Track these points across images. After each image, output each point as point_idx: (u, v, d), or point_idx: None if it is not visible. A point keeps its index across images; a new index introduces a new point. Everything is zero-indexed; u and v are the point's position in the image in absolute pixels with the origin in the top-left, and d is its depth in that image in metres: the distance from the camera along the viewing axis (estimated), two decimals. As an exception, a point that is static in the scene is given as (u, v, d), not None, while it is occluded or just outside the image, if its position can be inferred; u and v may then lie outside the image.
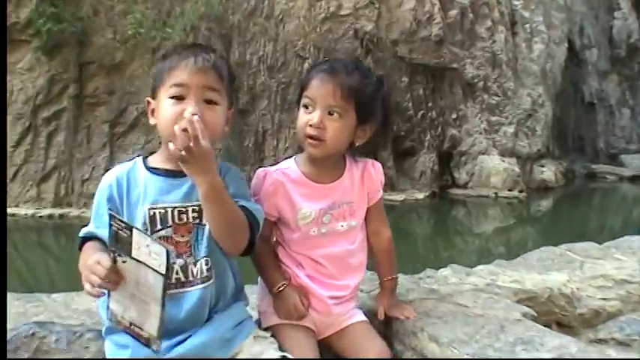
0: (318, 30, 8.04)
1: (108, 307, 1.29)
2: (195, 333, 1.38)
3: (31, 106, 7.51)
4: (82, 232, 1.42)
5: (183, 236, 1.41)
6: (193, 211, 1.41)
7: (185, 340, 1.37)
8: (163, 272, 1.17)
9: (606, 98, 11.47)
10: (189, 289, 1.39)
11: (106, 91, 7.45)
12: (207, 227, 1.41)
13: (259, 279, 1.63)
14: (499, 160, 9.03)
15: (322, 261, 1.61)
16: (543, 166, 9.68)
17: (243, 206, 1.42)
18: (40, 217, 7.34)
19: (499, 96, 7.92)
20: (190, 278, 1.40)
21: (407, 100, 8.81)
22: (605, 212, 9.16)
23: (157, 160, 1.48)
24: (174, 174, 1.42)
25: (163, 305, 1.20)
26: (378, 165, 1.74)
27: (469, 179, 9.36)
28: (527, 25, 6.97)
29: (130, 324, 1.25)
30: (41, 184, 7.62)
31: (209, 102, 1.42)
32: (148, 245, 1.19)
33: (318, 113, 1.55)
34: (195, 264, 1.40)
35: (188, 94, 1.40)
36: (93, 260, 1.26)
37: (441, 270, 2.00)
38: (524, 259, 2.20)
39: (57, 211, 7.42)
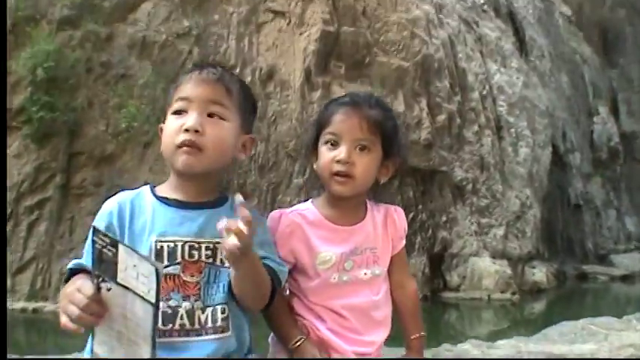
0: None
1: (91, 351, 1.09)
2: None
3: (14, 193, 7.32)
4: (71, 263, 1.22)
5: (192, 276, 1.23)
6: (207, 248, 1.25)
7: None
8: (153, 300, 0.98)
9: (592, 200, 11.67)
10: (194, 338, 1.20)
11: (94, 182, 7.28)
12: (223, 270, 1.24)
13: (271, 336, 1.46)
14: (490, 262, 8.97)
15: (344, 313, 1.44)
16: (534, 268, 9.63)
17: (267, 265, 1.26)
18: (12, 309, 6.84)
19: (488, 198, 8.08)
20: (197, 326, 1.21)
21: (397, 202, 8.85)
22: (599, 312, 9.00)
23: (166, 190, 1.32)
24: (187, 205, 1.28)
25: (154, 344, 1.00)
26: (401, 211, 1.63)
27: (461, 282, 9.24)
28: (513, 130, 7.34)
29: None
30: (17, 275, 7.24)
31: (212, 115, 1.29)
32: (135, 265, 1.00)
33: (345, 148, 1.44)
34: (203, 310, 1.22)
35: (191, 108, 1.28)
36: (73, 287, 1.08)
37: (460, 345, 1.91)
38: (544, 334, 2.13)
39: (31, 305, 7.00)
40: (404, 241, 1.59)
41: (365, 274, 1.47)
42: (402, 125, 1.77)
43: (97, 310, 1.04)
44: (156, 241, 1.22)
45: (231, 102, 1.31)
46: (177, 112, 1.28)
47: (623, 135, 7.96)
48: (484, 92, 2.83)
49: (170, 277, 1.20)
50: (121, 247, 1.01)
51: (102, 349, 1.06)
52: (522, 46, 3.90)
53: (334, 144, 1.46)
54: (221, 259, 1.24)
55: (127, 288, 1.00)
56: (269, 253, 1.30)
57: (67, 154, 7.25)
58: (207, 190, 1.34)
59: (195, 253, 1.23)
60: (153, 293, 0.98)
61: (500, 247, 9.86)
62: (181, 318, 1.19)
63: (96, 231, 1.04)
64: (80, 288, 1.06)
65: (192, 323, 1.20)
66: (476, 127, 7.35)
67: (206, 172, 1.28)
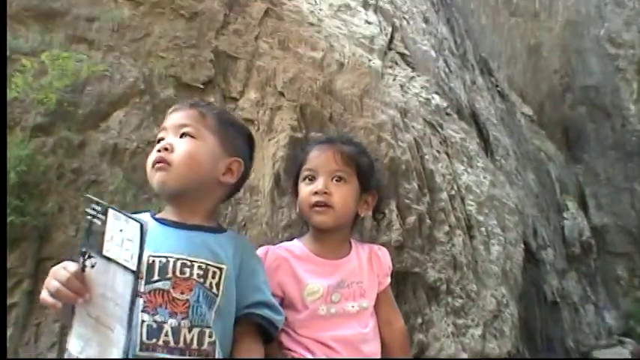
0: (280, 236, 8.19)
1: (66, 349, 1.07)
2: None
3: (-22, 300, 7.21)
4: None
5: (182, 293, 1.22)
6: (199, 267, 1.25)
7: None
8: (134, 268, 0.99)
9: (569, 296, 11.65)
10: (178, 357, 1.17)
11: None
12: (213, 292, 1.24)
13: None
14: (471, 363, 8.78)
15: (334, 345, 1.43)
16: (517, 367, 9.43)
17: (265, 318, 1.28)
18: None
19: (463, 298, 7.98)
20: (181, 345, 1.18)
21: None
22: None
23: (164, 214, 1.36)
24: (183, 225, 1.31)
25: (130, 324, 0.99)
26: (385, 250, 1.66)
27: (442, 384, 8.98)
28: (483, 229, 7.51)
29: None
30: (-22, 389, 6.96)
31: (183, 135, 1.34)
32: (121, 230, 1.01)
33: (322, 180, 1.49)
34: (190, 329, 1.20)
35: (167, 134, 1.35)
36: (59, 266, 1.10)
37: None
38: None
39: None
40: (389, 279, 1.62)
41: (352, 306, 1.48)
42: (380, 165, 1.82)
43: (77, 286, 1.05)
44: (149, 256, 1.21)
45: (205, 124, 1.36)
46: (158, 141, 1.35)
47: (594, 229, 8.09)
48: (452, 192, 2.89)
49: (159, 293, 1.19)
50: (110, 211, 1.03)
51: (75, 343, 1.04)
52: (487, 146, 4.04)
53: (312, 179, 1.51)
54: (210, 283, 1.24)
55: (110, 260, 1.02)
56: (269, 297, 1.33)
57: (35, 259, 7.70)
58: (201, 214, 1.36)
59: (187, 270, 1.23)
60: (135, 259, 0.99)
61: (479, 348, 9.63)
62: (166, 335, 1.17)
63: (89, 200, 1.06)
64: (65, 266, 1.08)
65: (176, 341, 1.18)
66: (446, 227, 7.49)
67: (182, 189, 1.30)
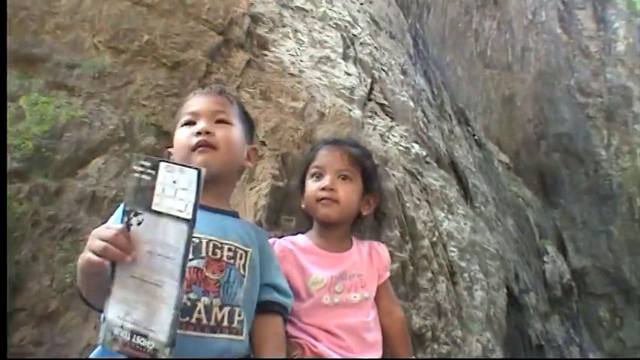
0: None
1: (104, 320, 1.01)
2: None
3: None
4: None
5: (214, 273, 1.25)
6: (229, 249, 1.29)
7: None
8: (189, 217, 0.98)
9: (553, 339, 11.63)
10: (208, 334, 1.20)
11: (34, 341, 7.11)
12: (241, 272, 1.28)
13: None
14: (457, 413, 8.62)
15: (338, 332, 1.49)
16: (503, 416, 9.27)
17: (277, 303, 1.35)
18: None
19: (449, 344, 8.01)
20: (212, 323, 1.21)
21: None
22: None
23: None
24: (210, 209, 1.33)
25: (183, 272, 0.97)
26: (384, 246, 1.75)
27: None
28: (466, 274, 7.61)
29: (132, 334, 0.97)
30: None
31: (219, 122, 1.39)
32: (175, 182, 1.00)
33: (329, 177, 1.59)
34: (221, 308, 1.23)
35: (199, 118, 1.38)
36: (103, 227, 1.09)
37: None
38: None
39: None
40: (388, 273, 1.71)
41: (354, 297, 1.56)
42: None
43: (124, 243, 1.02)
44: None
45: (233, 111, 1.45)
46: (187, 124, 1.39)
47: (574, 271, 8.13)
48: (434, 239, 2.90)
49: (193, 271, 1.22)
50: (162, 164, 1.03)
51: (117, 309, 0.99)
52: (467, 193, 4.08)
53: (319, 176, 1.61)
54: (239, 265, 1.29)
55: (160, 213, 1.01)
56: (282, 281, 1.40)
57: (7, 310, 7.52)
58: (224, 199, 1.43)
59: (218, 251, 1.27)
60: (190, 208, 0.98)
61: (466, 395, 9.54)
62: (199, 312, 1.20)
63: (137, 158, 1.06)
64: (109, 226, 1.08)
65: (208, 319, 1.21)
66: (429, 274, 7.54)
67: (223, 172, 1.36)
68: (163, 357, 0.96)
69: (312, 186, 1.63)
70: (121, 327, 1.01)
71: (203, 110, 1.42)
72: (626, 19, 11.12)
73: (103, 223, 2.04)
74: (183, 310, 1.16)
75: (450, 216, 3.44)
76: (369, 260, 1.66)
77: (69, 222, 2.03)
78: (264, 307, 1.37)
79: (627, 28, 11.01)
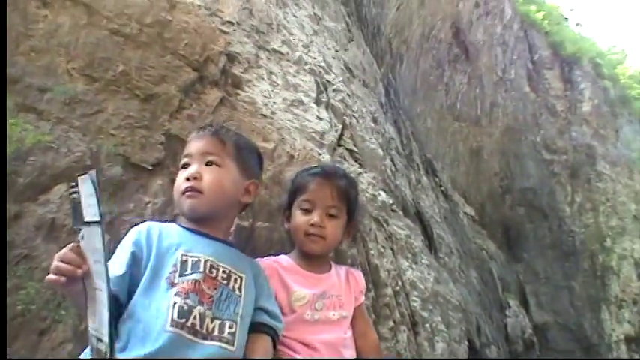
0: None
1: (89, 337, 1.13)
2: None
3: None
4: None
5: (209, 288, 1.37)
6: (223, 272, 1.42)
7: None
8: (98, 219, 1.08)
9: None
10: (200, 340, 1.31)
11: None
12: (236, 293, 1.40)
13: None
14: None
15: (317, 345, 1.57)
16: None
17: (268, 325, 1.45)
18: None
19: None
20: (204, 331, 1.33)
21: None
22: None
23: (190, 226, 1.50)
24: (208, 235, 1.47)
25: (107, 271, 1.06)
26: (360, 272, 1.88)
27: None
28: (428, 325, 7.58)
29: (96, 340, 1.09)
30: None
31: (209, 164, 1.50)
32: (86, 191, 1.09)
33: (317, 214, 1.68)
34: (212, 320, 1.35)
35: (192, 161, 1.52)
36: (58, 253, 1.17)
37: None
38: None
39: None
40: (364, 297, 1.82)
41: (334, 314, 1.66)
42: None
43: (72, 258, 1.13)
44: (182, 255, 1.39)
45: (226, 152, 1.54)
46: (183, 167, 1.53)
47: (536, 326, 8.19)
48: (397, 288, 2.90)
49: (192, 282, 1.35)
50: (79, 179, 1.13)
51: (92, 322, 1.10)
52: (431, 243, 4.11)
53: (308, 210, 1.69)
54: (233, 286, 1.41)
55: (89, 223, 1.11)
56: (274, 307, 1.50)
57: None
58: (222, 231, 1.54)
59: (214, 271, 1.40)
60: (96, 210, 1.08)
61: None
62: (194, 318, 1.31)
63: (71, 186, 1.16)
64: (65, 247, 1.17)
65: (201, 326, 1.32)
66: (391, 323, 7.53)
67: (211, 213, 1.48)
68: (107, 357, 1.05)
69: (301, 218, 1.72)
70: (93, 335, 1.13)
71: (195, 153, 1.55)
72: (591, 81, 11.56)
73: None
74: (181, 312, 1.31)
75: (413, 265, 3.45)
76: (347, 283, 1.76)
77: (25, 248, 1.97)
78: (256, 328, 1.47)
79: (593, 89, 11.43)
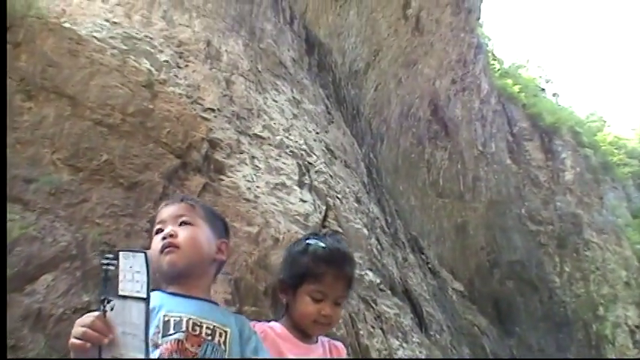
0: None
1: None
2: None
3: None
4: None
5: (192, 346, 1.40)
6: (207, 328, 1.45)
7: None
8: (144, 295, 1.14)
9: None
10: None
11: None
12: (222, 348, 1.44)
13: None
14: None
15: None
16: None
17: None
18: None
19: None
20: None
21: None
22: None
23: (173, 290, 1.51)
24: (189, 297, 1.49)
25: (147, 344, 1.15)
26: (342, 344, 1.92)
27: None
28: None
29: None
30: None
31: (182, 224, 1.56)
32: (131, 267, 1.17)
33: (329, 305, 1.74)
34: None
35: (165, 225, 1.56)
36: (83, 317, 1.23)
37: None
38: None
39: None
40: None
41: None
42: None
43: (101, 327, 1.19)
44: (164, 315, 1.41)
45: (196, 213, 1.62)
46: (157, 232, 1.56)
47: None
48: (388, 370, 2.87)
49: (175, 341, 1.37)
50: (121, 254, 1.19)
51: None
52: (421, 321, 4.07)
53: (319, 300, 1.74)
54: (219, 341, 1.45)
55: (125, 297, 1.17)
56: (265, 356, 1.54)
57: None
58: (203, 290, 1.57)
59: (198, 328, 1.43)
60: (144, 287, 1.15)
61: None
62: None
63: (102, 253, 1.23)
64: (89, 315, 1.22)
65: None
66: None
67: (189, 268, 1.51)
68: None
69: (312, 307, 1.76)
70: None
71: (168, 217, 1.60)
72: (572, 150, 11.82)
73: (47, 343, 1.98)
74: None
75: (404, 344, 3.40)
76: (330, 355, 1.83)
77: (12, 338, 1.93)
78: None
79: (574, 157, 11.67)
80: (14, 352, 1.92)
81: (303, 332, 1.76)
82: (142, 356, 1.16)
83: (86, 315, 1.25)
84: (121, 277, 1.20)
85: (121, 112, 2.73)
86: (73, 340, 1.23)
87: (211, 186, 2.87)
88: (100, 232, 2.35)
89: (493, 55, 12.82)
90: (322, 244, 1.90)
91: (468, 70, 9.72)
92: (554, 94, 14.90)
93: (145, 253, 1.19)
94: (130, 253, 1.21)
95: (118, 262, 1.20)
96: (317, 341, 1.80)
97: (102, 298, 1.22)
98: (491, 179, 9.54)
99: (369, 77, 6.95)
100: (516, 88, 12.04)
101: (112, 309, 1.20)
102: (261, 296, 2.52)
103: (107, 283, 1.21)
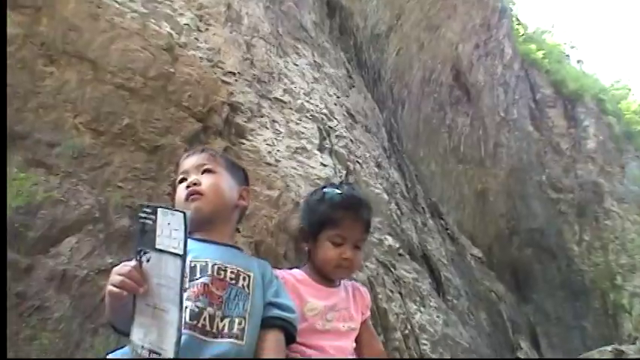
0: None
1: (130, 341, 1.25)
2: None
3: None
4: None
5: (217, 289, 1.46)
6: (232, 272, 1.51)
7: None
8: (181, 252, 1.19)
9: None
10: (211, 339, 1.40)
11: None
12: (245, 291, 1.50)
13: None
14: None
15: (329, 349, 1.69)
16: None
17: (283, 319, 1.53)
18: None
19: None
20: (214, 330, 1.42)
21: None
22: None
23: (199, 237, 1.58)
24: (214, 242, 1.58)
25: (181, 299, 1.20)
26: (365, 288, 1.97)
27: None
28: None
29: (150, 352, 1.21)
30: None
31: (205, 172, 1.65)
32: (169, 223, 1.21)
33: (349, 248, 1.79)
34: (222, 319, 1.43)
35: (189, 174, 1.65)
36: (119, 265, 1.30)
37: None
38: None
39: None
40: (369, 312, 1.92)
41: (343, 326, 1.77)
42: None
43: (137, 277, 1.25)
44: (190, 261, 1.45)
45: (217, 162, 1.70)
46: (181, 181, 1.66)
47: (548, 368, 8.04)
48: (406, 331, 2.87)
49: (201, 285, 1.44)
50: (159, 210, 1.24)
51: (138, 333, 1.24)
52: (439, 286, 4.09)
53: (339, 244, 1.79)
54: (242, 285, 1.52)
55: (162, 251, 1.22)
56: (285, 299, 1.60)
57: None
58: (227, 236, 1.65)
59: (222, 273, 1.50)
60: (181, 245, 1.19)
61: None
62: (204, 319, 1.41)
63: (141, 206, 1.28)
64: (125, 264, 1.29)
65: (211, 327, 1.42)
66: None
67: (213, 214, 1.59)
68: None
69: (333, 252, 1.81)
70: (142, 347, 1.24)
71: (190, 167, 1.67)
72: (595, 118, 11.61)
73: (72, 304, 2.03)
74: (192, 315, 1.40)
75: (422, 309, 3.43)
76: (354, 299, 1.86)
77: (37, 300, 1.98)
78: (267, 322, 1.54)
79: (597, 126, 11.47)
80: (40, 312, 1.97)
81: (325, 277, 1.81)
82: (176, 308, 1.21)
83: (123, 264, 1.30)
84: (158, 232, 1.24)
85: (142, 75, 2.72)
86: (110, 288, 1.29)
87: (232, 150, 2.88)
88: (122, 195, 2.37)
89: (517, 19, 12.51)
90: (338, 191, 1.95)
91: (492, 34, 9.52)
92: (578, 61, 14.54)
93: (185, 213, 1.23)
94: (169, 211, 1.24)
95: (155, 218, 1.24)
96: (339, 284, 1.85)
97: (138, 249, 1.27)
98: (513, 146, 9.44)
99: (390, 41, 6.85)
100: (540, 54, 11.77)
101: (147, 260, 1.25)
102: (282, 259, 2.55)
103: (144, 236, 1.26)
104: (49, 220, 2.16)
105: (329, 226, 1.83)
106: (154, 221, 1.25)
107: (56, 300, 2.01)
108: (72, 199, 2.26)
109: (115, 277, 1.29)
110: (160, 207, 1.26)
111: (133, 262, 1.29)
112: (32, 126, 2.35)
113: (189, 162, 1.70)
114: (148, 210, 1.26)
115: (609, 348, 1.86)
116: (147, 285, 1.26)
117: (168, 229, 1.24)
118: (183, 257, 1.21)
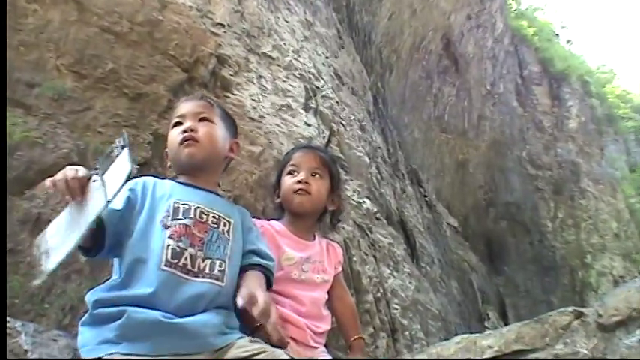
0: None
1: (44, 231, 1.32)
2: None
3: None
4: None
5: (199, 232, 1.51)
6: (213, 217, 1.56)
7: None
8: (109, 198, 1.24)
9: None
10: (192, 278, 1.44)
11: None
12: (226, 236, 1.55)
13: None
14: None
15: (302, 299, 1.75)
16: None
17: (262, 265, 1.57)
18: None
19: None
20: (195, 269, 1.46)
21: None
22: None
23: (183, 180, 1.66)
24: (198, 187, 1.62)
25: (86, 232, 1.24)
26: (338, 244, 2.04)
27: None
28: (407, 332, 7.55)
29: (41, 255, 1.27)
30: None
31: (202, 120, 1.67)
32: (122, 165, 1.25)
33: (303, 173, 1.87)
34: (203, 259, 1.48)
35: (185, 119, 1.67)
36: (73, 167, 1.34)
37: None
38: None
39: None
40: (341, 267, 1.99)
41: (317, 277, 1.84)
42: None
43: (77, 187, 1.29)
44: (174, 203, 1.53)
45: (214, 112, 1.73)
46: (176, 125, 1.68)
47: (513, 340, 8.23)
48: (378, 295, 2.92)
49: (183, 226, 1.49)
50: (125, 150, 1.29)
51: (53, 230, 1.31)
52: (413, 252, 4.15)
53: (294, 173, 1.88)
54: (223, 230, 1.56)
55: (104, 183, 1.27)
56: (263, 246, 1.64)
57: None
58: (212, 184, 1.71)
59: (204, 216, 1.55)
60: (114, 192, 1.24)
61: None
62: (185, 259, 1.45)
63: (122, 134, 1.34)
64: (78, 169, 1.33)
65: (192, 266, 1.46)
66: (371, 329, 7.52)
67: (205, 162, 1.63)
68: (38, 280, 1.28)
69: (288, 181, 1.89)
70: (46, 240, 1.30)
71: (188, 112, 1.69)
72: (579, 98, 11.67)
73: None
74: (174, 254, 1.45)
75: (395, 273, 3.48)
76: (327, 253, 1.94)
77: (10, 242, 1.96)
78: (247, 268, 1.58)
79: (580, 107, 11.54)
80: (12, 255, 1.94)
81: (301, 228, 1.88)
82: (80, 235, 1.25)
83: (75, 167, 1.34)
84: (113, 166, 1.29)
85: (129, 20, 2.66)
86: (48, 183, 1.33)
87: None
88: (102, 140, 2.34)
89: (511, -7, 12.43)
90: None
91: (485, 7, 9.44)
92: (567, 41, 14.57)
93: (131, 170, 1.27)
94: (128, 158, 1.28)
95: (119, 153, 1.30)
96: (314, 239, 1.92)
97: (97, 167, 1.32)
98: (496, 120, 9.46)
99: (383, 5, 6.75)
100: (531, 31, 11.75)
101: (94, 181, 1.30)
102: (260, 215, 2.55)
103: (106, 160, 1.31)
104: (26, 162, 2.13)
105: (285, 165, 1.95)
106: (117, 156, 1.29)
107: (29, 243, 1.99)
108: (50, 141, 2.22)
109: (59, 175, 1.33)
110: (128, 149, 1.31)
111: (84, 173, 1.33)
112: (12, 64, 2.29)
113: (187, 107, 1.72)
114: (122, 143, 1.32)
115: (570, 309, 1.91)
116: (80, 198, 1.30)
117: (118, 170, 1.28)
118: (107, 202, 1.26)
